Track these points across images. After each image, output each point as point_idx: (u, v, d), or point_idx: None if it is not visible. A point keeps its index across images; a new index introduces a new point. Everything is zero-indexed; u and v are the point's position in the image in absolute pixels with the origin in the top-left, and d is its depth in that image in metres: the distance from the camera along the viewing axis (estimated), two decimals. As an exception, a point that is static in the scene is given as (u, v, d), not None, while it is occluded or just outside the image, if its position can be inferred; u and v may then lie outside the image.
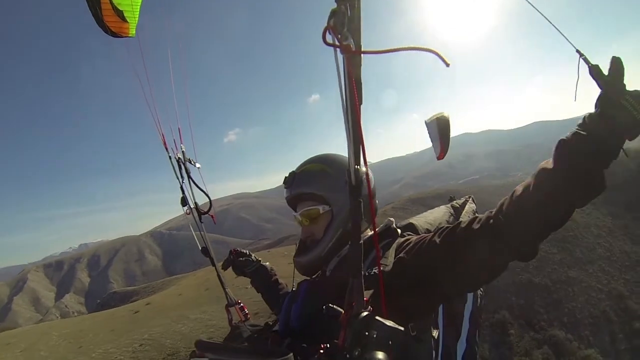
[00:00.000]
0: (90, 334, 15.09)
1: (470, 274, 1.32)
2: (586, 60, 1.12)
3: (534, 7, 1.19)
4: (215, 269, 2.38)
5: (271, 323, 1.86)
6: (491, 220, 1.25)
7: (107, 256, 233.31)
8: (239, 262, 2.50)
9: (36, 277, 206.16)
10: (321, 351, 1.12)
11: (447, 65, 0.81)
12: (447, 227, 1.39)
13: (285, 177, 1.80)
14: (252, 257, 2.54)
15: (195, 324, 13.81)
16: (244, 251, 2.60)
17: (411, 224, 1.97)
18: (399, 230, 1.76)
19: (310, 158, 1.84)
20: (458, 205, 2.33)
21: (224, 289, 2.30)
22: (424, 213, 2.23)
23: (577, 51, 1.11)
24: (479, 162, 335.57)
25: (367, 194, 1.64)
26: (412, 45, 0.84)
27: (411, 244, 1.50)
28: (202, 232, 2.36)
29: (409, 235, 1.77)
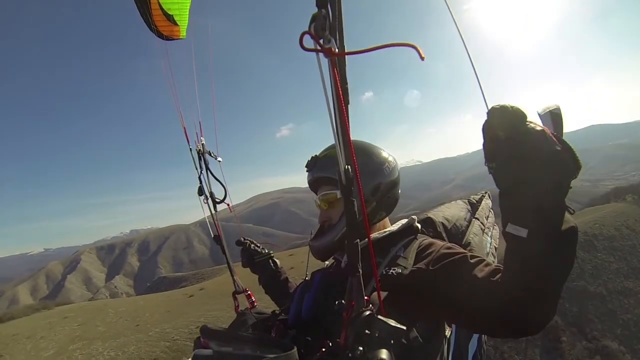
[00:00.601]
0: (147, 313, 15.95)
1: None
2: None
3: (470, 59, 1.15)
4: (226, 257, 2.38)
5: (278, 312, 1.80)
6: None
7: (157, 243, 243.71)
8: (249, 249, 2.50)
9: (89, 258, 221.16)
10: (323, 349, 1.12)
11: (422, 59, 0.81)
12: (495, 269, 1.27)
13: (308, 161, 1.79)
14: (263, 249, 2.53)
15: (252, 310, 14.08)
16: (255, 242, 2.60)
17: (429, 218, 1.94)
18: (419, 226, 1.74)
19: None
20: (475, 201, 2.30)
21: (232, 275, 2.31)
22: (441, 207, 2.21)
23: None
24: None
25: (375, 190, 1.67)
26: (392, 42, 0.82)
27: (435, 255, 1.44)
28: (215, 221, 2.39)
29: (429, 233, 1.80)
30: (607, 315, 23.59)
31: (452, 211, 2.11)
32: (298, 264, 20.93)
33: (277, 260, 2.47)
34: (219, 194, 2.39)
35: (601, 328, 22.65)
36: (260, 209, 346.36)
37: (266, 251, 2.48)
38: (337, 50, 0.84)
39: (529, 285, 1.06)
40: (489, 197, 2.36)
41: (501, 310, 1.13)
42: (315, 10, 0.83)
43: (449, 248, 1.46)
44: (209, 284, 23.88)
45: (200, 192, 2.34)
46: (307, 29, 0.82)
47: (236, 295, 2.23)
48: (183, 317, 14.34)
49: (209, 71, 2.43)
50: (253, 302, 2.15)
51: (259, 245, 2.54)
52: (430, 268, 1.37)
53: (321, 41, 0.83)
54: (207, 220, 2.43)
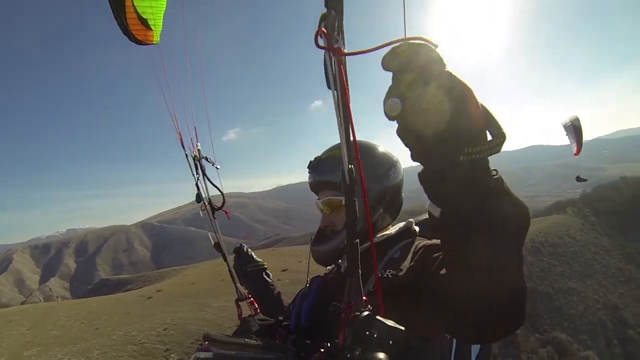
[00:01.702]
0: (104, 316, 15.02)
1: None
2: None
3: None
4: (227, 264, 2.37)
5: (281, 318, 1.84)
6: None
7: (96, 243, 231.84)
8: (244, 255, 2.45)
9: (22, 258, 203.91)
10: (322, 350, 1.10)
11: (435, 46, 0.80)
12: None
13: (310, 162, 1.73)
14: (257, 258, 2.48)
15: (219, 312, 13.85)
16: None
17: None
18: (417, 229, 1.71)
19: (339, 143, 1.76)
20: None
21: (235, 283, 2.28)
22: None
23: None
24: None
25: (380, 191, 1.62)
26: (396, 39, 0.82)
27: (424, 252, 1.45)
28: (215, 228, 2.38)
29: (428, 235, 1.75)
30: (555, 312, 27.35)
31: None
32: (217, 275, 21.32)
33: (270, 273, 2.43)
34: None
35: (550, 322, 26.17)
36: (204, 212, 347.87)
37: (260, 261, 2.43)
38: (345, 50, 0.85)
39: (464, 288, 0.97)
40: None
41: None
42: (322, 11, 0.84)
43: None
44: (166, 286, 23.11)
45: (199, 199, 2.35)
46: (316, 29, 0.83)
47: (239, 303, 2.19)
48: (147, 319, 13.63)
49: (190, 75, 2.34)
50: (256, 309, 2.15)
51: (253, 254, 2.47)
52: (425, 266, 1.37)
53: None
54: (208, 228, 2.45)
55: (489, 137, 0.83)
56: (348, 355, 0.90)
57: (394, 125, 0.84)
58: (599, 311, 29.08)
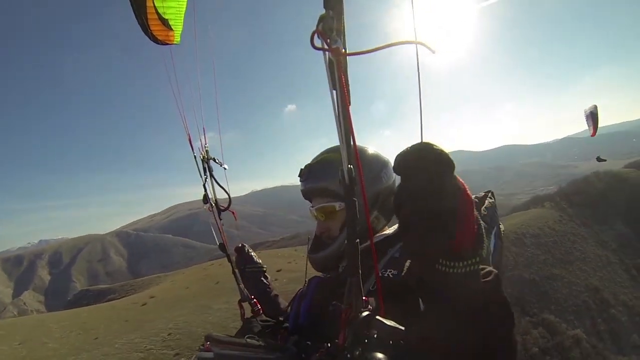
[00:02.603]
0: (101, 325, 14.63)
1: None
2: None
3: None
4: (232, 265, 2.35)
5: (282, 319, 1.88)
6: None
7: (70, 254, 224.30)
8: (245, 256, 2.39)
9: None
10: (322, 350, 1.13)
11: (434, 52, 0.85)
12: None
13: (301, 170, 1.71)
14: (258, 259, 2.44)
15: (222, 313, 13.76)
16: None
17: None
18: None
19: (330, 148, 1.73)
20: (477, 200, 2.16)
21: (238, 284, 2.28)
22: None
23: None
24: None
25: (374, 193, 1.61)
26: (395, 41, 0.86)
27: None
28: (220, 229, 2.40)
29: None
30: (542, 296, 29.59)
31: None
32: (210, 279, 21.94)
33: (268, 275, 2.38)
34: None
35: (539, 306, 28.37)
36: (180, 219, 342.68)
37: (260, 262, 2.39)
38: (344, 50, 0.85)
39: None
40: (492, 196, 2.28)
41: None
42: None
43: None
44: (158, 292, 22.72)
45: (205, 199, 2.36)
46: (313, 29, 0.83)
47: (242, 304, 2.22)
48: (147, 325, 13.37)
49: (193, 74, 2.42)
50: (259, 309, 2.13)
51: (254, 256, 2.41)
52: None
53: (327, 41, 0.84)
54: (211, 228, 2.45)
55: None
56: (348, 355, 0.92)
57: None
58: (582, 293, 31.36)
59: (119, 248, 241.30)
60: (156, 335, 11.99)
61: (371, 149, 1.70)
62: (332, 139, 1.52)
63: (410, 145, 0.90)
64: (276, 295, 2.29)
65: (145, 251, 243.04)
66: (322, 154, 1.71)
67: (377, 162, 1.65)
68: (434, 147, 0.86)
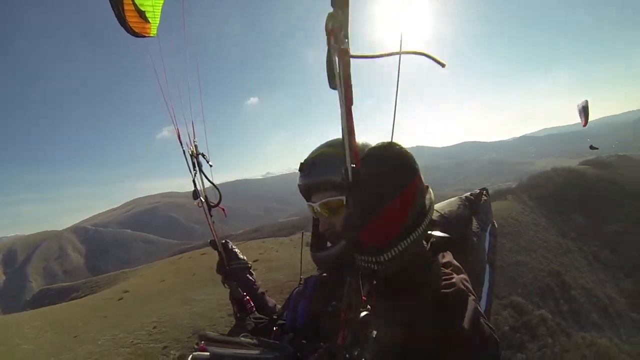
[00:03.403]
0: (78, 322, 14.09)
1: None
2: None
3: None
4: (224, 261, 2.29)
5: (276, 317, 1.84)
6: None
7: (25, 252, 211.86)
8: (229, 252, 2.32)
9: None
10: (320, 350, 1.14)
11: (443, 66, 0.86)
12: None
13: (301, 164, 1.64)
14: (243, 255, 2.37)
15: (206, 304, 13.65)
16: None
17: None
18: None
19: (329, 141, 1.67)
20: (473, 197, 2.14)
21: (230, 281, 2.22)
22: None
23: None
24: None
25: None
26: (405, 50, 0.88)
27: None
28: (211, 224, 2.35)
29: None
30: (509, 280, 32.54)
31: (442, 205, 2.03)
32: (183, 272, 21.92)
33: (253, 272, 2.35)
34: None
35: (507, 290, 31.07)
36: (139, 213, 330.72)
37: (244, 259, 2.34)
38: (351, 51, 0.85)
39: None
40: (487, 194, 2.26)
41: None
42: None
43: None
44: (131, 286, 22.04)
45: (195, 195, 2.32)
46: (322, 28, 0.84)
47: (233, 301, 2.19)
48: (129, 320, 12.96)
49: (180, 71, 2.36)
50: (252, 307, 2.11)
51: (238, 252, 2.35)
52: None
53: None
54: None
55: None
56: (347, 355, 0.92)
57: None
58: (545, 278, 35.05)
59: (77, 245, 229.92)
60: (141, 329, 11.75)
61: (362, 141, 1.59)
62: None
63: (380, 143, 0.92)
64: (263, 294, 2.26)
65: (104, 247, 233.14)
66: (321, 147, 1.65)
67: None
68: (400, 151, 0.89)
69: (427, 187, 1.00)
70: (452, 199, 2.10)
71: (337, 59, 0.83)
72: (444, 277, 0.98)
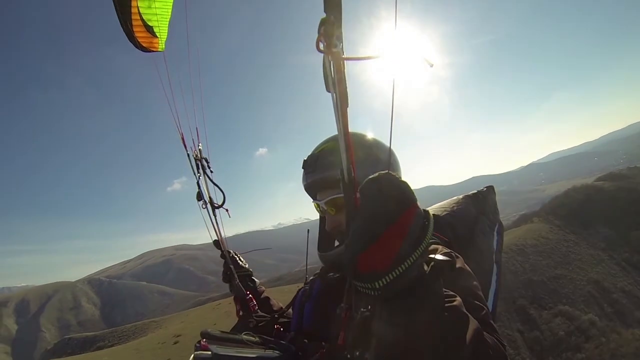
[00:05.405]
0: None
1: None
2: None
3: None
4: (227, 260, 2.31)
5: (277, 315, 1.85)
6: None
7: (38, 302, 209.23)
8: (233, 260, 2.31)
9: None
10: (322, 350, 1.15)
11: (431, 65, 0.88)
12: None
13: (305, 160, 1.60)
14: (245, 264, 2.38)
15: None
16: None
17: (435, 216, 1.70)
18: None
19: (331, 137, 1.63)
20: (480, 196, 2.18)
21: (235, 281, 2.23)
22: (435, 205, 2.13)
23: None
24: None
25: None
26: (396, 51, 0.87)
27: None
28: (215, 226, 2.34)
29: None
30: (552, 293, 36.18)
31: (444, 203, 2.06)
32: (233, 315, 20.70)
33: (255, 279, 2.34)
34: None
35: (552, 301, 34.80)
36: (153, 265, 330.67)
37: (247, 267, 2.34)
38: (344, 54, 0.87)
39: None
40: (493, 191, 2.28)
41: None
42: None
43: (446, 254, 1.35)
44: (180, 330, 21.99)
45: (199, 197, 2.34)
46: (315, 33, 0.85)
47: (236, 300, 2.20)
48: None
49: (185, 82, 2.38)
50: (254, 305, 2.11)
51: (242, 259, 2.38)
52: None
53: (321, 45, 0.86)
54: (206, 226, 2.39)
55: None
56: (348, 356, 0.91)
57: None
58: (586, 286, 38.04)
59: (91, 296, 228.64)
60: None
61: (382, 143, 1.60)
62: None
63: (377, 174, 0.89)
64: (267, 298, 2.25)
65: (119, 299, 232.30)
66: (324, 143, 1.61)
67: (384, 153, 1.54)
68: (397, 181, 0.87)
69: (427, 212, 0.93)
70: (459, 196, 2.15)
71: (330, 62, 0.85)
72: (446, 299, 0.92)
